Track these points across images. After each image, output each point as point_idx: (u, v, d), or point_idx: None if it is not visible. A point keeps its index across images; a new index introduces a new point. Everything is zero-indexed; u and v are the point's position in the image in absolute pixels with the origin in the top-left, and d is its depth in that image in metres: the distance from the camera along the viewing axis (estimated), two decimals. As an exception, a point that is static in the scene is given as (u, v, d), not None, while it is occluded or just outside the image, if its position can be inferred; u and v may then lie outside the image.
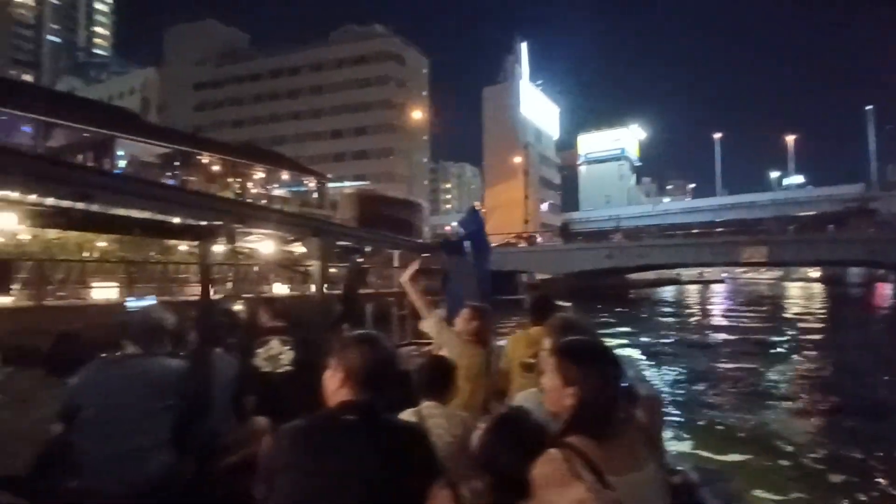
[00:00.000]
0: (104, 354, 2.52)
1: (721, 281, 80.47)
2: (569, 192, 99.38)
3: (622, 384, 1.47)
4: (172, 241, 22.86)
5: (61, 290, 14.56)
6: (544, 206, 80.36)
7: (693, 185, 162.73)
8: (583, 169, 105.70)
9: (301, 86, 70.18)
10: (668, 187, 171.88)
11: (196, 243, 2.89)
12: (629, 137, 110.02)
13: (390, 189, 51.88)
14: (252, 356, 3.55)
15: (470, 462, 1.63)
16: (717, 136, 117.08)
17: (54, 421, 2.40)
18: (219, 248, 2.98)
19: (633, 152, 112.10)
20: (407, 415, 2.04)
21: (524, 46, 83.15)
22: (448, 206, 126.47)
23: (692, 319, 29.09)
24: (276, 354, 3.58)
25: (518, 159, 65.59)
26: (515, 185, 66.75)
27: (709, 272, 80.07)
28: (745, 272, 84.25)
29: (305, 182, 40.85)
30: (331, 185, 42.73)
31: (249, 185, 35.97)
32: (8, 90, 24.96)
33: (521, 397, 2.12)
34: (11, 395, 2.66)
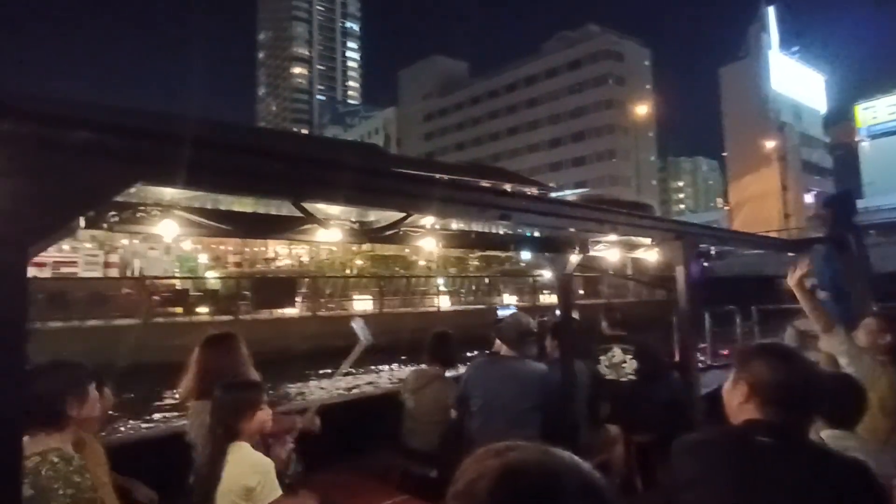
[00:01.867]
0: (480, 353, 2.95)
1: None
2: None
3: None
4: (413, 258, 25.06)
5: (329, 302, 16.64)
6: (809, 197, 65.96)
7: None
8: (865, 145, 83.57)
9: (517, 101, 71.84)
10: None
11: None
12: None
13: (614, 192, 48.95)
14: (597, 363, 3.63)
15: None
16: None
17: (452, 407, 2.94)
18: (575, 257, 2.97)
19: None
20: None
21: (771, 11, 70.26)
22: (681, 206, 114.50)
23: None
24: (619, 363, 3.60)
25: (771, 144, 55.28)
26: (768, 174, 56.53)
27: None
28: None
29: (528, 193, 41.08)
30: (553, 193, 42.12)
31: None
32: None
33: None
34: (407, 386, 3.19)
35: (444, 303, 19.54)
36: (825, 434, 1.81)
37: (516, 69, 73.14)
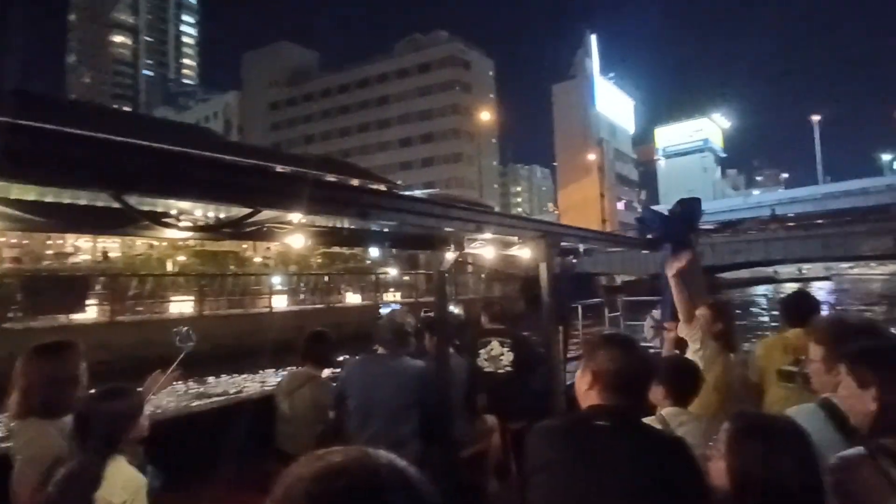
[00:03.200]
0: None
1: (827, 278, 71.85)
2: (648, 189, 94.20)
3: None
4: (249, 254, 23.23)
5: (138, 305, 14.52)
6: (620, 205, 76.39)
7: (786, 175, 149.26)
8: (662, 163, 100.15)
9: (368, 98, 71.32)
10: (758, 178, 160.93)
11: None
12: (711, 128, 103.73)
13: (460, 194, 51.12)
14: (476, 356, 3.69)
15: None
16: (816, 118, 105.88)
17: (329, 408, 2.90)
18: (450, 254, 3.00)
19: (717, 143, 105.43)
20: (648, 421, 1.75)
21: (593, 39, 79.73)
22: (519, 209, 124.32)
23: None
24: (497, 355, 3.68)
25: (592, 157, 62.73)
26: (589, 183, 64.04)
27: (808, 268, 72.41)
28: (851, 268, 75.09)
29: (383, 189, 40.91)
30: (402, 192, 42.52)
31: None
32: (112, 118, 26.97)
33: (795, 413, 1.62)
34: (280, 388, 3.11)
35: (279, 303, 18.40)
36: (665, 412, 1.96)
37: (368, 66, 72.58)
